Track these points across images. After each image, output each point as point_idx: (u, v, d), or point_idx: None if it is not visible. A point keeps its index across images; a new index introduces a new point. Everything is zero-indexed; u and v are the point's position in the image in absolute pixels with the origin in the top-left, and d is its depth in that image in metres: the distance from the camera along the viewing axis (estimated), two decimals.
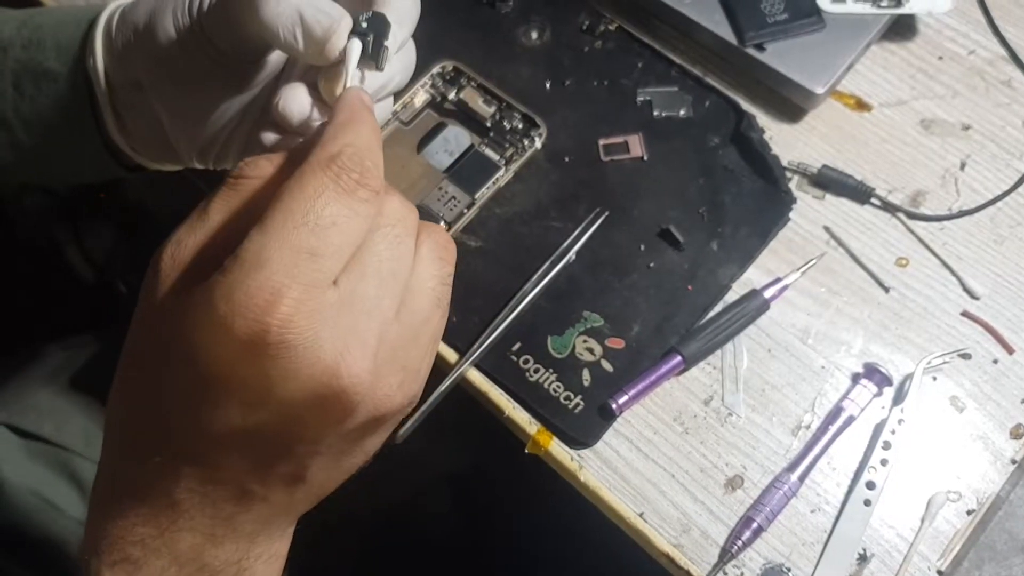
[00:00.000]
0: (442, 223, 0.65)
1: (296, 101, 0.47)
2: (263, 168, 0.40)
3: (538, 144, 0.67)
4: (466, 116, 0.69)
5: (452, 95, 0.69)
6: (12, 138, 0.57)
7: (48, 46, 0.55)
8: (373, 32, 0.45)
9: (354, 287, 0.37)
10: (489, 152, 0.67)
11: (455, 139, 0.68)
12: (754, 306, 0.62)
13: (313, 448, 0.39)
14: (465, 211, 0.65)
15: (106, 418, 0.42)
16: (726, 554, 0.57)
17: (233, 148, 0.55)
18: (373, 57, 0.45)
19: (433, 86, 0.69)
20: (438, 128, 0.68)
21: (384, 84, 0.49)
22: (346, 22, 0.45)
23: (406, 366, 0.40)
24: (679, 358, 0.61)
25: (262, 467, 0.39)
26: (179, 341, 0.36)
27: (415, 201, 0.65)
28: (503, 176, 0.66)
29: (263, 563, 0.42)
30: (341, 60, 0.45)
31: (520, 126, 0.68)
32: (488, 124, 0.68)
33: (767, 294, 0.62)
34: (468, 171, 0.67)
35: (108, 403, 0.41)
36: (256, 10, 0.45)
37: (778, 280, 0.63)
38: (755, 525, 0.57)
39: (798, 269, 0.64)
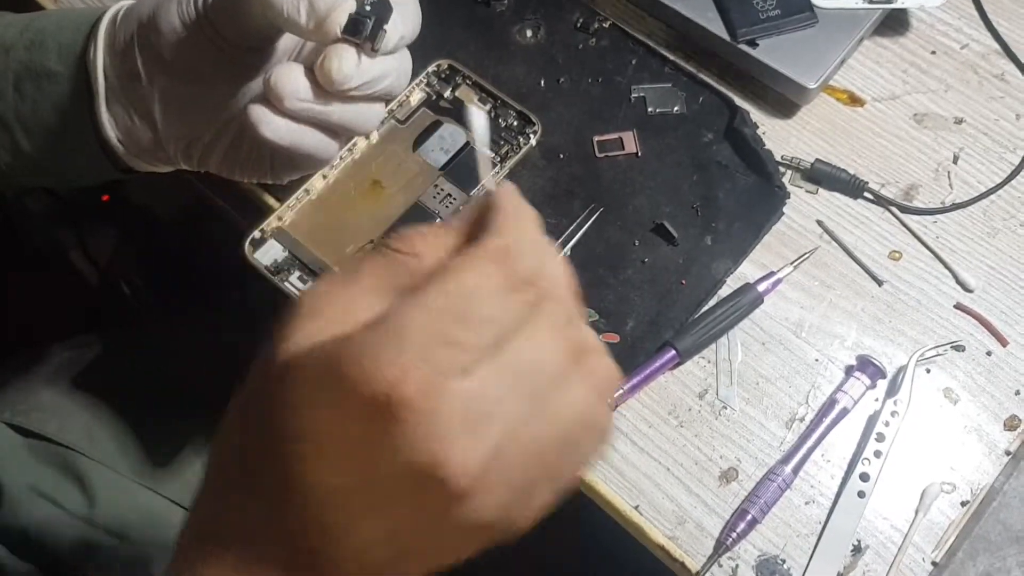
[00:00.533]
0: (438, 220, 0.65)
1: (289, 77, 0.48)
2: (416, 245, 0.36)
3: (533, 141, 0.68)
4: (461, 114, 0.69)
5: (447, 93, 0.70)
6: (12, 140, 0.58)
7: (50, 47, 0.56)
8: (375, 14, 0.46)
9: (485, 384, 0.33)
10: (484, 150, 0.68)
11: (450, 137, 0.68)
12: (748, 300, 0.63)
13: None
14: (461, 208, 0.66)
15: (212, 449, 0.39)
16: (721, 546, 0.57)
17: (218, 147, 0.56)
18: (371, 38, 0.46)
19: (428, 84, 0.70)
20: (434, 126, 0.69)
21: (379, 77, 0.49)
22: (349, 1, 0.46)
23: (514, 486, 0.35)
24: (673, 352, 0.61)
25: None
26: (295, 387, 0.34)
27: (411, 200, 0.66)
28: (498, 173, 0.67)
29: None
30: (340, 39, 0.46)
31: (515, 123, 0.68)
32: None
33: (761, 288, 0.63)
34: (464, 169, 0.67)
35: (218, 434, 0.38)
36: None
37: (772, 274, 0.63)
38: (750, 517, 0.57)
39: (791, 263, 0.64)
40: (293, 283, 0.64)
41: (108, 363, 0.83)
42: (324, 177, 0.67)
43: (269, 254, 0.65)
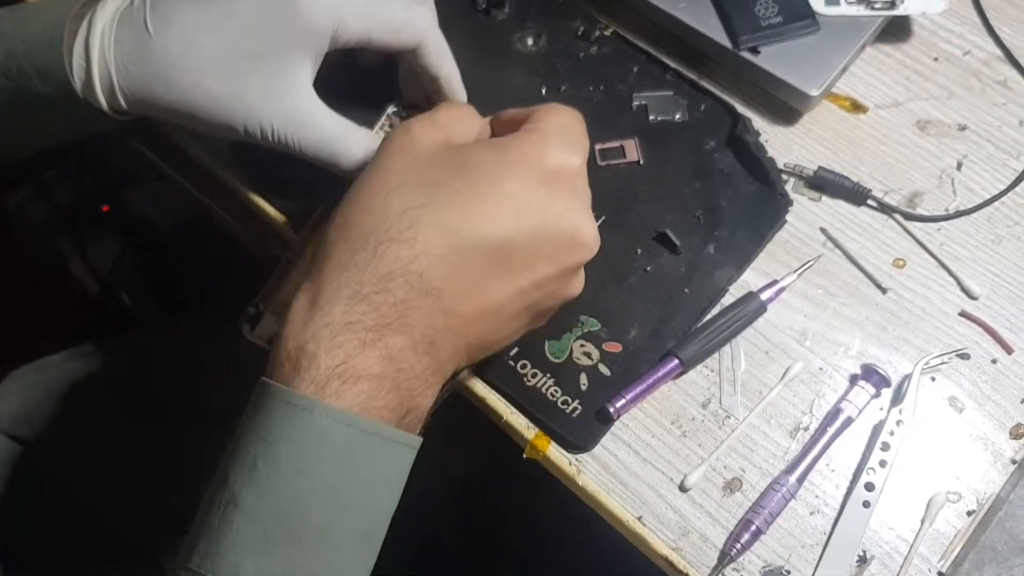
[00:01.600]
0: None
1: None
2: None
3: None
4: None
5: None
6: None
7: (30, 73, 0.55)
8: None
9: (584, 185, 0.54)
10: None
11: None
12: (751, 308, 0.62)
13: (530, 284, 0.50)
14: None
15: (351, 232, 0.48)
16: (725, 557, 0.57)
17: None
18: None
19: (391, 127, 0.64)
20: None
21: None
22: None
23: None
24: (676, 361, 0.61)
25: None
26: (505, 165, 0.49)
27: None
28: None
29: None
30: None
31: None
32: None
33: (764, 296, 0.62)
34: None
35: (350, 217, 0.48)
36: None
37: (775, 282, 0.63)
38: (754, 528, 0.57)
39: (795, 271, 0.64)
40: None
41: (108, 373, 0.83)
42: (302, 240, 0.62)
43: (269, 328, 0.61)
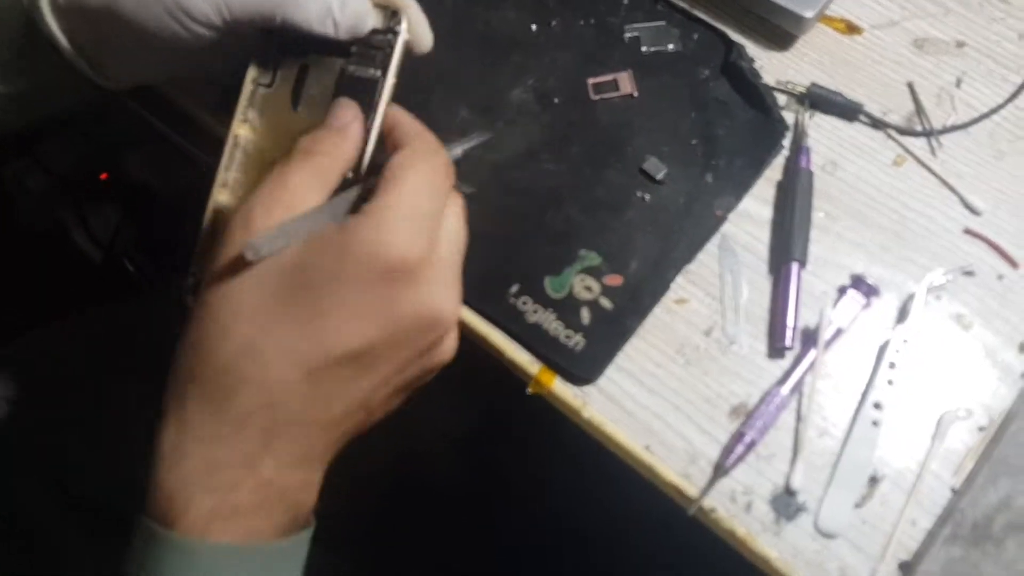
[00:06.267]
0: (350, 174, 0.53)
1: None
2: (340, 147, 0.51)
3: (404, 32, 0.55)
4: (322, 42, 0.55)
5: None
6: None
7: None
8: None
9: (445, 247, 0.49)
10: (360, 70, 0.55)
11: (322, 73, 0.56)
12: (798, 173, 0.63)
13: (393, 371, 0.49)
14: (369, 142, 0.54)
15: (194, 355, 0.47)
16: (719, 469, 0.56)
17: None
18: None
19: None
20: (302, 72, 0.56)
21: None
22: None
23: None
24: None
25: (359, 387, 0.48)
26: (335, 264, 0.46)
27: None
28: (386, 86, 0.54)
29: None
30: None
31: (378, 24, 0.56)
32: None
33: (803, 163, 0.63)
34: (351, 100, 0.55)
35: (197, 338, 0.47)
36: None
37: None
38: (748, 439, 0.56)
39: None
40: None
41: (111, 339, 0.83)
42: (224, 185, 0.56)
43: None
